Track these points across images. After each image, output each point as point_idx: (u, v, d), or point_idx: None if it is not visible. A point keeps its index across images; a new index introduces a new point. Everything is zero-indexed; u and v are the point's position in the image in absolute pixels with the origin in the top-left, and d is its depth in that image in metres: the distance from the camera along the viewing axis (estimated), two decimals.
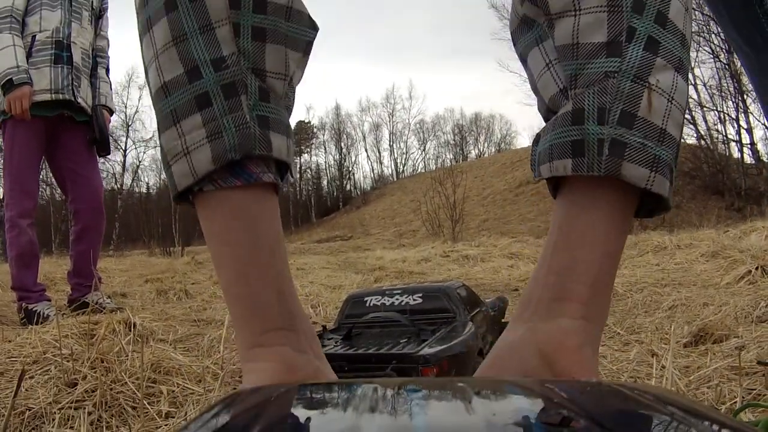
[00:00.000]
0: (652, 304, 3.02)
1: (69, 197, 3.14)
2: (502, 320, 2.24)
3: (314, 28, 0.66)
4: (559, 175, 0.57)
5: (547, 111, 0.63)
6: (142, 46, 0.61)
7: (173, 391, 1.48)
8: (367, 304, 1.99)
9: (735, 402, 1.20)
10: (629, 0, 0.55)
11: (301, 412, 0.39)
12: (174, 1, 0.57)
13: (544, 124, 0.64)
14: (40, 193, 3.49)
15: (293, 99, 0.66)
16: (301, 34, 0.64)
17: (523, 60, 0.67)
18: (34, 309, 2.79)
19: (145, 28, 0.60)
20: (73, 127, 3.05)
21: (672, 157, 0.56)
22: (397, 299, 1.97)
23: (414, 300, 1.95)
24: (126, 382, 1.44)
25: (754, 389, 1.26)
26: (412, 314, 1.88)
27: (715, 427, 0.32)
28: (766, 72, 0.89)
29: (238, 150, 0.56)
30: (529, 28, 0.65)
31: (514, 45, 0.68)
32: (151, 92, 0.61)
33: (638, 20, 0.55)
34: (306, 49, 0.65)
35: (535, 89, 0.65)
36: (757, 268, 3.38)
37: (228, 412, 0.39)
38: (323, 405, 0.41)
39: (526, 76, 0.69)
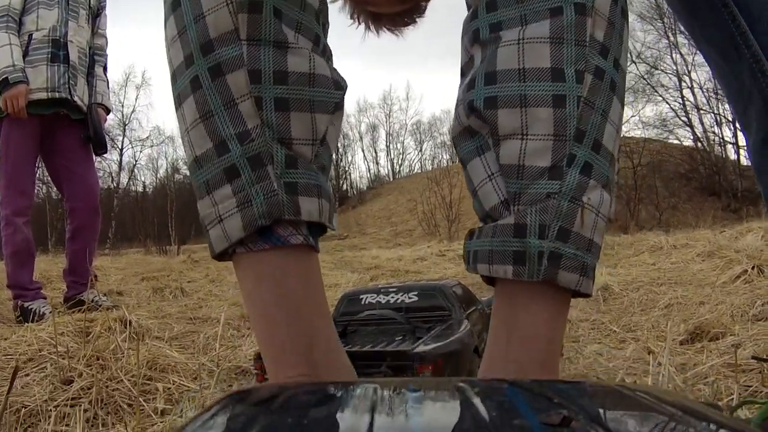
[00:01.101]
0: (648, 303, 3.03)
1: (64, 195, 3.13)
2: None
3: (340, 88, 0.67)
4: (498, 277, 0.65)
5: (486, 216, 0.70)
6: (177, 118, 0.65)
7: (169, 389, 1.48)
8: (363, 302, 1.99)
9: (732, 398, 1.21)
10: (572, 130, 0.63)
11: (300, 412, 0.39)
12: (198, 80, 0.60)
13: None
14: (35, 191, 3.48)
15: (328, 157, 0.69)
16: (326, 96, 0.65)
17: (463, 164, 0.74)
18: (29, 307, 2.78)
19: (177, 104, 0.63)
20: (69, 126, 3.03)
21: (596, 261, 0.65)
22: (392, 297, 1.97)
23: (409, 298, 1.95)
24: (122, 380, 1.44)
25: (751, 386, 1.27)
26: (408, 312, 1.87)
27: (713, 426, 0.32)
28: (738, 79, 0.90)
29: (267, 217, 0.59)
30: (470, 137, 0.71)
31: (455, 147, 0.75)
32: (187, 160, 0.65)
33: (578, 148, 0.63)
34: (335, 108, 0.67)
35: (474, 193, 0.72)
36: (753, 268, 3.39)
37: (226, 411, 0.39)
38: (322, 404, 0.41)
39: None
